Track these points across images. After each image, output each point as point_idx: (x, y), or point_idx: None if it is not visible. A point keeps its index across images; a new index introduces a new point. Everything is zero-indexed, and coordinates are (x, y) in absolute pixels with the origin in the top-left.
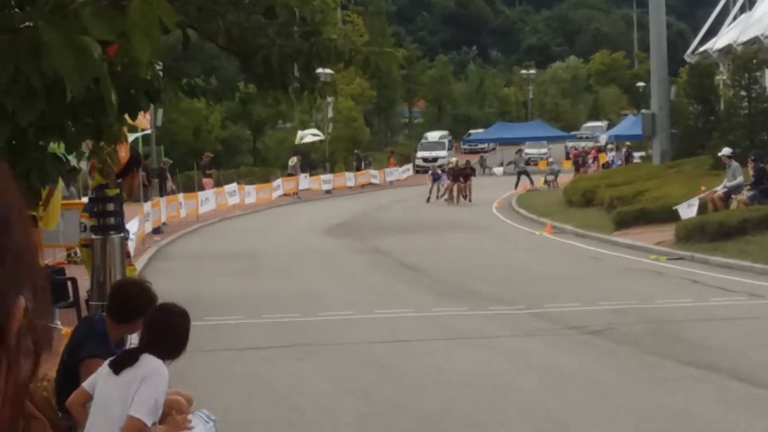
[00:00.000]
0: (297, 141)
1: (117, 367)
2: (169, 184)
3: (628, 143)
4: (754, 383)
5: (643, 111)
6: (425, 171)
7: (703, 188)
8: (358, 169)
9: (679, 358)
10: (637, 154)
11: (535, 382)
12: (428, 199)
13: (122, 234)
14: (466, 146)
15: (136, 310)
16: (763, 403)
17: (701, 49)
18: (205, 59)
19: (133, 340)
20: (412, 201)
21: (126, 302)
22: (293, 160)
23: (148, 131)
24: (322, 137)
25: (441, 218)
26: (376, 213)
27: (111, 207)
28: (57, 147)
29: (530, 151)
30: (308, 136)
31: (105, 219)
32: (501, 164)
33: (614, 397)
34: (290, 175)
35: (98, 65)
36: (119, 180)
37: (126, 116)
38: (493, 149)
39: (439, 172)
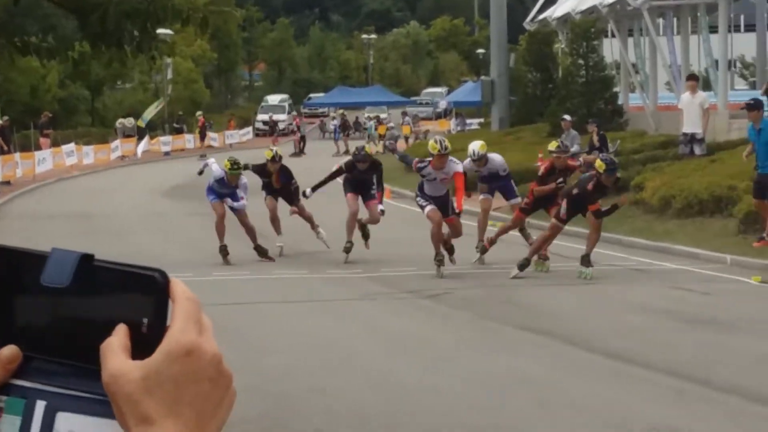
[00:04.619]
0: (145, 119)
1: None
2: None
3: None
4: (589, 349)
5: (482, 77)
6: (265, 134)
7: (540, 155)
8: (179, 132)
9: (516, 323)
10: (474, 121)
11: (374, 346)
12: None
13: None
14: (306, 110)
15: None
16: (597, 367)
17: (540, 17)
18: (44, 17)
19: None
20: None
21: None
22: (121, 122)
23: None
24: (161, 104)
25: None
26: None
27: None
28: None
29: (371, 116)
30: (152, 111)
31: None
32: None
33: (452, 360)
34: (129, 136)
35: None
36: None
37: None
38: (343, 113)
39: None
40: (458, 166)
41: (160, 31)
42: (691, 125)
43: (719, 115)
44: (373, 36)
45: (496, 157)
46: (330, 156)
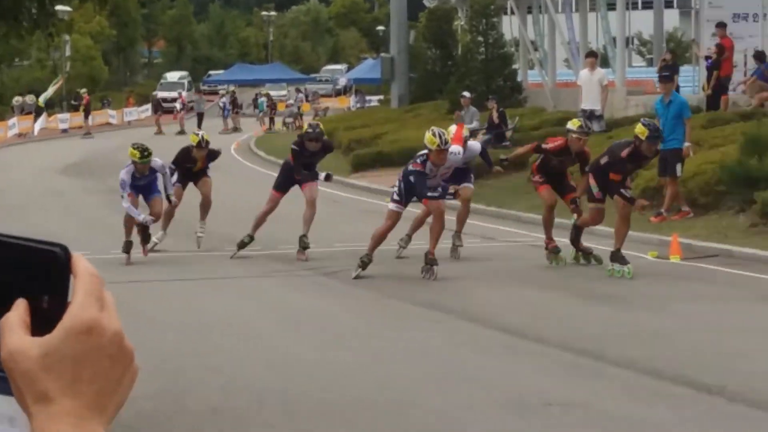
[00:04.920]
0: (44, 98)
1: None
2: None
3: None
4: (487, 324)
5: (382, 55)
6: (166, 111)
7: None
8: (77, 109)
9: (414, 299)
10: (374, 98)
11: (273, 323)
12: None
13: None
14: (205, 87)
15: None
16: (495, 343)
17: None
18: None
19: None
20: (151, 141)
21: None
22: (18, 100)
23: None
24: (59, 82)
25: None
26: (114, 153)
27: None
28: None
29: (271, 93)
30: (51, 90)
31: None
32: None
33: (351, 337)
34: (28, 113)
35: None
36: None
37: None
38: (233, 91)
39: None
40: (458, 156)
41: (58, 8)
42: (589, 102)
43: (617, 91)
44: (273, 13)
45: (474, 145)
46: (217, 133)
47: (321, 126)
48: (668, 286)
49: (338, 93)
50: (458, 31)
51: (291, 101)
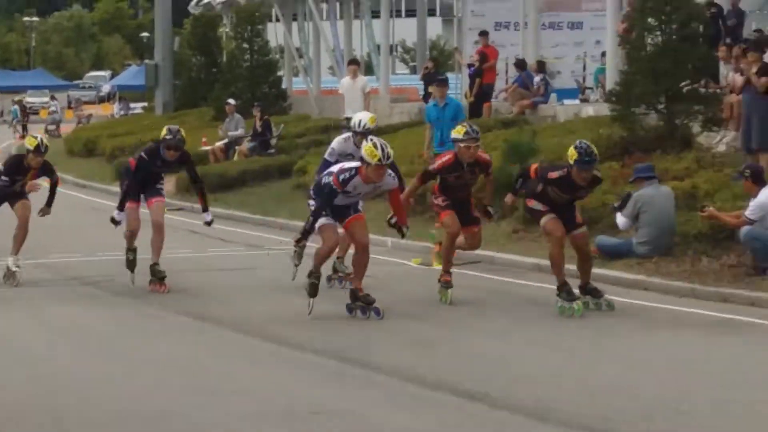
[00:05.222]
0: None
1: None
2: None
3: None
4: (251, 333)
5: (146, 61)
6: None
7: (204, 140)
8: None
9: (177, 308)
10: (138, 105)
11: (33, 334)
12: None
13: None
14: None
15: None
16: (260, 352)
17: (205, 0)
18: None
19: None
20: None
21: None
22: None
23: None
24: None
25: None
26: None
27: None
28: None
29: (32, 99)
30: None
31: None
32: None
33: (114, 347)
34: None
35: None
36: None
37: None
38: None
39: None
40: (394, 179)
41: None
42: (352, 109)
43: (381, 99)
44: (35, 19)
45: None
46: None
47: (182, 132)
48: (431, 293)
49: (102, 100)
50: (223, 38)
51: (53, 108)
